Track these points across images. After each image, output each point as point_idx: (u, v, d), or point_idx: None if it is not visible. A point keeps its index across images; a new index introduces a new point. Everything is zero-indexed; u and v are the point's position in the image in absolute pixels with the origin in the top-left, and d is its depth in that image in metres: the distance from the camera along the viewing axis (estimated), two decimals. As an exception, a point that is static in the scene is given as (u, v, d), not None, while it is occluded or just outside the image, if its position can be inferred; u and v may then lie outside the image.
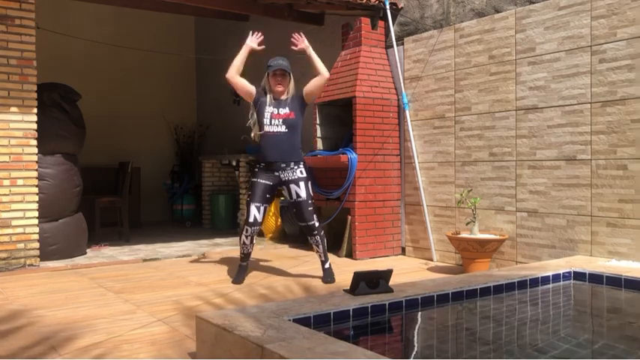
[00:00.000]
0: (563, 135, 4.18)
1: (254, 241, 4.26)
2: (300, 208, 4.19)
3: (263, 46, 4.26)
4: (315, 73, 4.17)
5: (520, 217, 4.47)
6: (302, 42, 4.17)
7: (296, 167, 4.19)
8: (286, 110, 4.18)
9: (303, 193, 4.18)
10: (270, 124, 4.16)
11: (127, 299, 3.68)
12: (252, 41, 4.26)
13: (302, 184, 4.19)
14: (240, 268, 4.28)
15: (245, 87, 4.24)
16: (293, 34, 4.20)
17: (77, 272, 4.70)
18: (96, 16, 8.49)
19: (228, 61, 4.26)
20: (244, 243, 4.23)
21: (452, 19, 5.05)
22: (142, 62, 8.92)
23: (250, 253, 4.30)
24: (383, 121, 5.41)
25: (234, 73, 4.20)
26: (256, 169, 4.24)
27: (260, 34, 4.29)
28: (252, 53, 4.25)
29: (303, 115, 4.28)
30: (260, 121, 4.21)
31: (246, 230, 4.18)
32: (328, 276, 4.22)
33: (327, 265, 4.26)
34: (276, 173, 4.19)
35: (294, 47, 4.19)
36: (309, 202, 4.20)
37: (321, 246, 4.24)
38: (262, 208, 4.18)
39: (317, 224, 4.22)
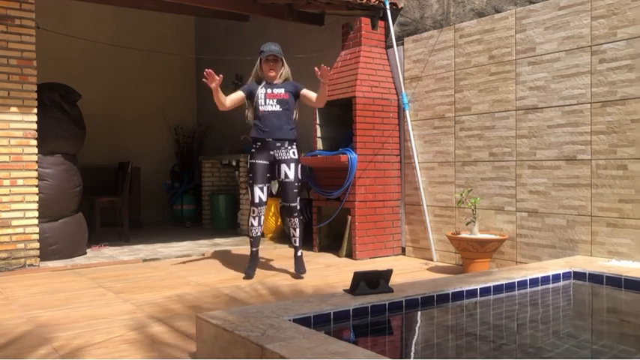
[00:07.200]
0: (563, 135, 4.18)
1: (262, 223, 4.41)
2: (286, 188, 4.36)
3: (220, 76, 4.10)
4: (316, 96, 4.35)
5: (520, 217, 4.47)
6: (326, 76, 4.11)
7: (290, 147, 4.37)
8: (280, 91, 4.35)
9: (291, 175, 4.34)
10: (265, 103, 4.33)
11: (127, 299, 3.68)
12: (211, 83, 4.08)
13: (292, 165, 4.35)
14: (252, 257, 4.41)
15: (237, 99, 4.40)
16: (322, 66, 4.09)
17: (77, 272, 4.70)
18: (96, 16, 8.49)
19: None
20: (252, 225, 4.39)
21: (452, 19, 5.05)
22: (142, 62, 8.92)
23: (259, 236, 4.44)
24: (383, 121, 5.41)
25: (223, 105, 4.33)
26: (253, 150, 4.38)
27: (208, 71, 4.06)
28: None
29: (296, 102, 4.46)
30: (256, 103, 4.35)
31: (253, 211, 4.36)
32: (299, 268, 4.39)
33: (299, 253, 4.45)
34: (271, 152, 4.35)
35: (316, 72, 4.08)
36: (296, 184, 4.37)
37: (298, 230, 4.43)
38: (265, 188, 4.36)
39: (298, 207, 4.40)
